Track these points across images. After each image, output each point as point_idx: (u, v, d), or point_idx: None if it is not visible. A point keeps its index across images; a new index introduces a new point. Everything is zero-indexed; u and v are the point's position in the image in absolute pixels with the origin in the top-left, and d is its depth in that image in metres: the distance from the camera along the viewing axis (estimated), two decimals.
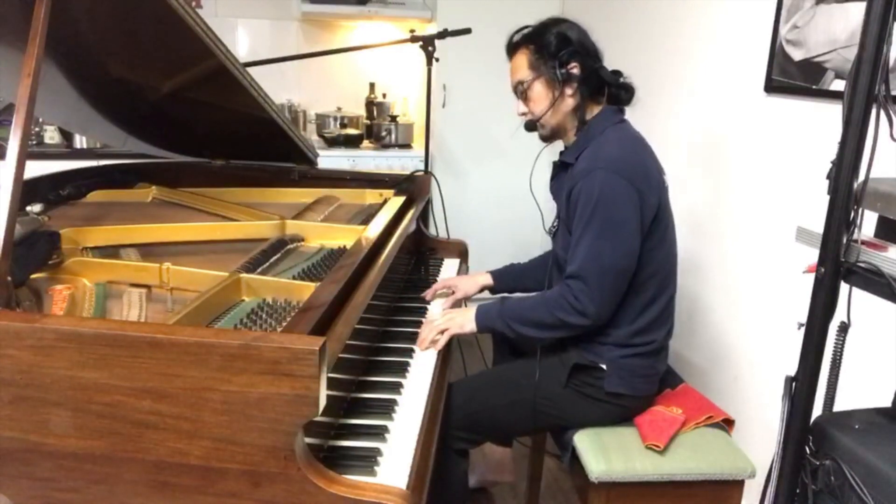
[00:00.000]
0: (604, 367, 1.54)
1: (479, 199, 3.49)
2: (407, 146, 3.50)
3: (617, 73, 1.60)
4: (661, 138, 1.62)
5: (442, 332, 1.55)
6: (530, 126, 1.63)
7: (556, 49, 1.53)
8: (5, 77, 1.73)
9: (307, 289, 1.28)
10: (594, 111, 1.59)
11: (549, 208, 1.77)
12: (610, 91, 1.59)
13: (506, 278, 1.90)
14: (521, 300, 1.57)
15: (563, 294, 1.49)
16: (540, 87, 1.57)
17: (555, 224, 1.67)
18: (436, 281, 1.94)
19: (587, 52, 1.55)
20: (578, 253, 1.47)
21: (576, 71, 1.53)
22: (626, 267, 1.47)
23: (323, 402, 0.94)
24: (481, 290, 1.88)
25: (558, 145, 1.68)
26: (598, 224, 1.44)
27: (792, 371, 1.03)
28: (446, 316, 1.59)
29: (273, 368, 0.91)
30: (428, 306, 1.77)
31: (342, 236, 1.66)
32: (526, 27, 1.60)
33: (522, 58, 1.58)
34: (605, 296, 1.46)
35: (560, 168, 1.65)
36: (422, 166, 2.83)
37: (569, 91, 1.56)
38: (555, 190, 1.68)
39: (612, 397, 1.54)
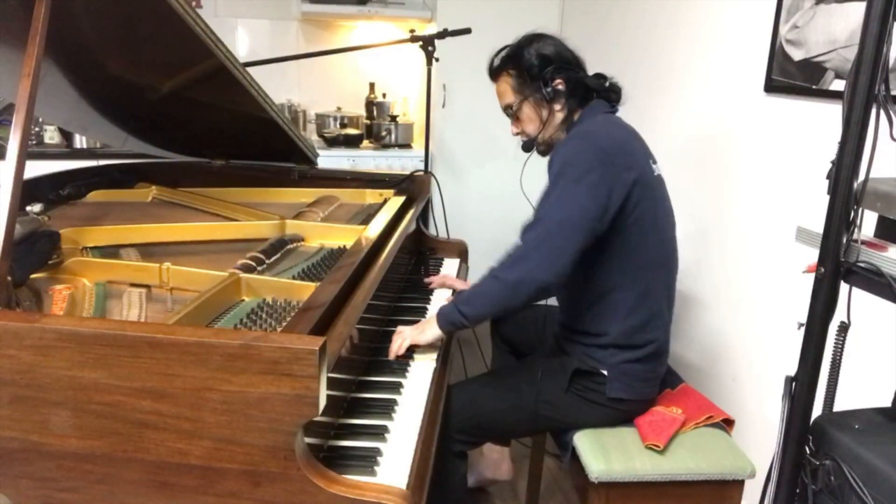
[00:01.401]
0: (605, 373, 1.53)
1: (479, 199, 3.49)
2: (407, 146, 3.50)
3: (601, 77, 1.61)
4: (660, 138, 1.62)
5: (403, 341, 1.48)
6: (527, 147, 1.66)
7: (538, 70, 1.55)
8: (5, 77, 1.73)
9: (307, 289, 1.28)
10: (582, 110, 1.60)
11: None
12: (598, 95, 1.60)
13: None
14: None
15: (509, 251, 1.44)
16: (529, 108, 1.59)
17: None
18: None
19: (568, 65, 1.57)
20: (539, 209, 1.45)
21: (561, 87, 1.56)
22: (576, 221, 1.39)
23: (323, 402, 0.94)
24: None
25: None
26: (563, 183, 1.42)
27: (792, 371, 1.03)
28: (410, 329, 1.51)
29: (273, 368, 0.91)
30: (428, 307, 1.77)
31: (342, 236, 1.66)
32: (503, 49, 1.62)
33: (506, 83, 1.60)
34: (548, 244, 1.38)
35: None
36: (422, 166, 2.82)
37: (557, 106, 1.58)
38: None
39: (614, 402, 1.54)
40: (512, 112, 1.63)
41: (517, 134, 1.66)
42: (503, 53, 1.61)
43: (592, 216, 1.40)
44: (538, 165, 1.84)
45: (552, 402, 1.56)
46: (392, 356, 1.46)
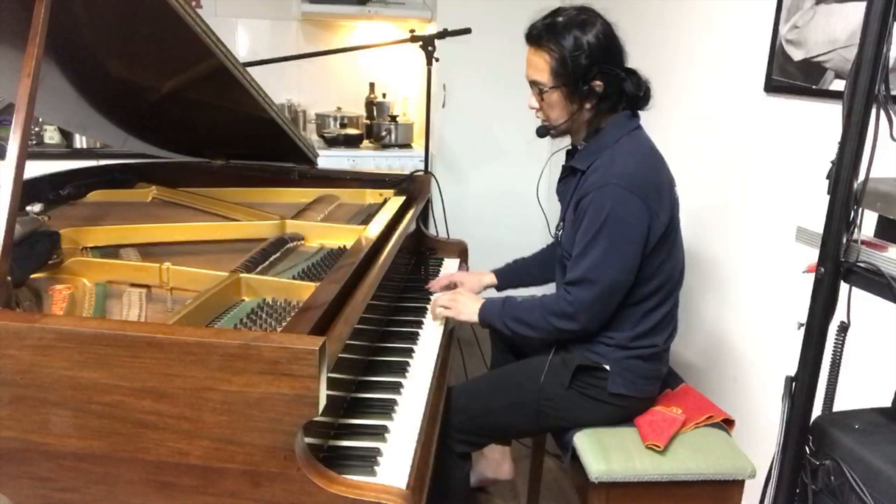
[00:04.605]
0: (607, 367, 1.54)
1: (479, 199, 3.49)
2: (407, 146, 3.50)
3: (636, 77, 1.53)
4: (660, 138, 1.61)
5: (445, 308, 1.65)
6: (542, 132, 1.60)
7: (582, 66, 1.44)
8: (5, 77, 1.73)
9: (307, 289, 1.28)
10: (609, 117, 1.53)
11: (553, 212, 1.77)
12: (629, 100, 1.54)
13: (509, 275, 1.91)
14: (523, 301, 1.58)
15: (559, 299, 1.51)
16: (558, 97, 1.50)
17: (560, 226, 1.67)
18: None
19: (613, 63, 1.48)
20: (583, 263, 1.46)
21: (599, 89, 1.48)
22: (624, 282, 1.47)
23: (323, 402, 0.94)
24: (485, 289, 1.89)
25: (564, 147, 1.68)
26: (606, 238, 1.43)
27: (792, 371, 1.03)
28: (453, 295, 1.68)
29: (273, 368, 0.91)
30: (428, 307, 1.77)
31: (342, 236, 1.66)
32: (550, 16, 1.49)
33: (543, 59, 1.48)
34: (598, 307, 1.48)
35: (569, 172, 1.63)
36: (422, 166, 2.82)
37: (587, 105, 1.50)
38: (561, 192, 1.67)
39: (615, 398, 1.54)
40: (539, 90, 1.52)
41: (534, 108, 1.57)
42: (549, 22, 1.47)
43: (636, 270, 1.48)
44: (548, 171, 1.84)
45: (553, 399, 1.56)
46: (436, 317, 1.67)
